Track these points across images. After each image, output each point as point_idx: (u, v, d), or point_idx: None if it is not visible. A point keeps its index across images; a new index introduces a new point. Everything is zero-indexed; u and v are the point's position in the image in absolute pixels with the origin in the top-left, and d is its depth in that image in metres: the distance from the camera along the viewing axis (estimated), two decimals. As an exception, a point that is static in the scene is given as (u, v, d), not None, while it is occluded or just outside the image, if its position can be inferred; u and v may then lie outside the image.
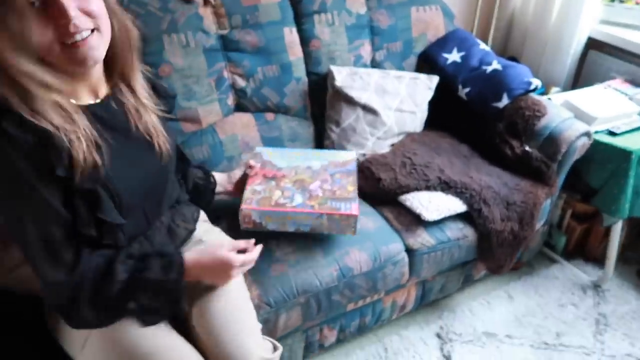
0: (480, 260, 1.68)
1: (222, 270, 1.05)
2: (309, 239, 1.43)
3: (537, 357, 1.66)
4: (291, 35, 1.75)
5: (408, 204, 1.55)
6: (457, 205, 1.56)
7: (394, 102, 1.82)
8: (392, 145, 1.85)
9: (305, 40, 1.78)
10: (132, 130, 1.00)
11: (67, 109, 0.86)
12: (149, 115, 1.02)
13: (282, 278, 1.34)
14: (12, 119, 0.81)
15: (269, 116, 1.76)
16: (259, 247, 1.14)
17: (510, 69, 1.81)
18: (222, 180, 1.40)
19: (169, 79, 1.55)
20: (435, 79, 1.90)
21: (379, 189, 1.61)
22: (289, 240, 1.43)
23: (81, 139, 0.86)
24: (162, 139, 1.04)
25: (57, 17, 0.81)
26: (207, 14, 1.62)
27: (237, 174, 1.43)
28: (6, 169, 0.82)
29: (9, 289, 1.11)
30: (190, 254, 1.04)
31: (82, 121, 0.88)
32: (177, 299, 1.01)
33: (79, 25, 0.82)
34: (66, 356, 1.06)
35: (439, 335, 1.74)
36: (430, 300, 1.76)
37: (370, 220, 1.54)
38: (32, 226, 0.86)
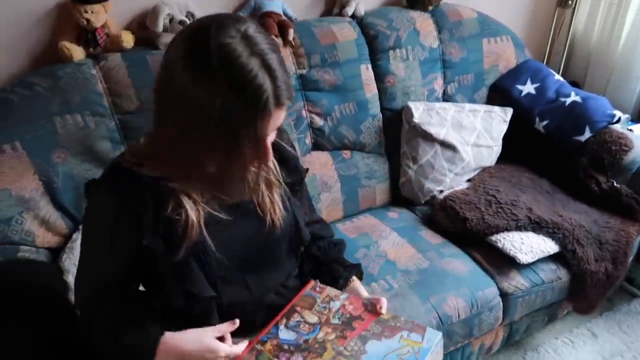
0: (571, 301, 1.62)
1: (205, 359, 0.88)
2: (405, 284, 1.40)
3: (633, 402, 1.59)
4: (367, 72, 1.73)
5: (499, 245, 1.51)
6: (550, 246, 1.51)
7: (471, 136, 1.78)
8: (469, 180, 1.81)
9: (380, 76, 1.76)
10: (249, 206, 0.96)
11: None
12: (270, 192, 0.98)
13: (381, 328, 1.30)
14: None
15: (346, 154, 1.74)
16: (245, 342, 0.93)
17: (591, 101, 1.77)
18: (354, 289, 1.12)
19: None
20: (509, 112, 1.86)
21: (465, 229, 1.56)
22: (382, 288, 1.39)
23: (193, 218, 0.87)
24: (277, 215, 0.99)
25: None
26: (286, 54, 1.61)
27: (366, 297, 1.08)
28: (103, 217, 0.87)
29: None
30: (172, 335, 0.89)
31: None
32: None
33: None
34: None
35: (525, 378, 1.68)
36: (514, 341, 1.71)
37: (460, 263, 1.50)
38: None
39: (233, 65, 0.73)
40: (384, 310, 0.97)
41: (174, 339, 0.88)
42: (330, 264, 1.11)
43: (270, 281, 1.04)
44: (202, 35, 0.74)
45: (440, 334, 0.92)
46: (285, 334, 0.95)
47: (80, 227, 1.36)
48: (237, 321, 0.90)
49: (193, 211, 0.86)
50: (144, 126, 1.42)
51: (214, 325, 0.92)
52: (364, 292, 1.08)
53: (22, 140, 1.29)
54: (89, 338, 0.92)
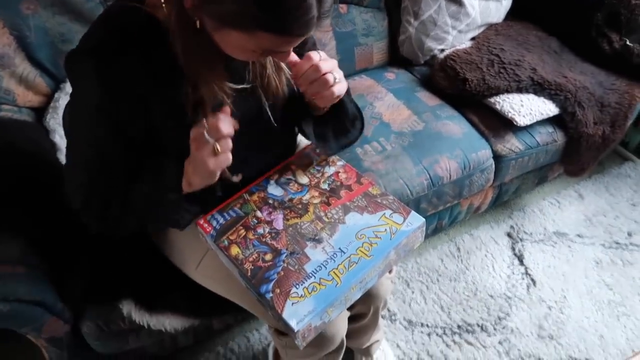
0: (563, 163, 1.63)
1: (192, 159, 0.79)
2: (398, 147, 1.39)
3: (608, 257, 1.69)
4: None
5: (498, 107, 1.46)
6: (549, 109, 1.47)
7: (479, -11, 1.63)
8: (474, 38, 1.70)
9: None
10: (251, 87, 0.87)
11: None
12: (278, 75, 0.88)
13: (373, 188, 1.31)
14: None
15: (342, 8, 1.60)
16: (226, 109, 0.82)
17: (617, -52, 1.58)
18: None
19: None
20: (524, -40, 1.68)
21: (464, 90, 1.50)
22: (375, 150, 1.38)
23: (206, 99, 0.78)
24: (280, 97, 0.90)
25: None
26: None
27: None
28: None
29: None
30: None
31: None
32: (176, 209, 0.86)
33: None
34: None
35: (509, 235, 1.76)
36: (502, 201, 1.75)
37: (456, 125, 1.47)
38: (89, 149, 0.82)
39: None
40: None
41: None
42: None
43: (271, 157, 1.01)
44: None
45: (423, 220, 0.89)
46: (273, 189, 0.96)
47: (62, 86, 1.31)
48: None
49: (206, 90, 0.77)
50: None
51: (218, 195, 0.90)
52: None
53: (-17, -11, 1.17)
54: (103, 225, 0.87)
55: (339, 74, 0.83)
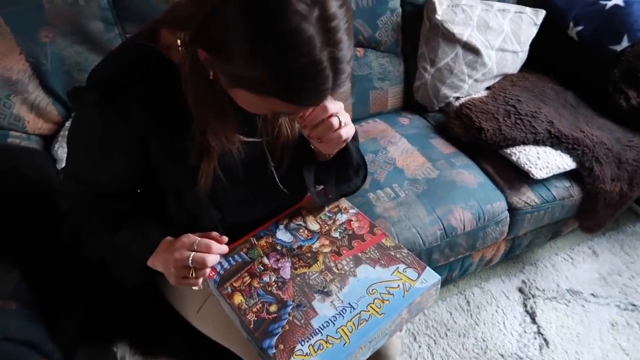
0: (579, 219, 1.58)
1: (165, 264, 0.79)
2: (411, 194, 1.35)
3: (624, 319, 1.61)
4: (389, -42, 1.54)
5: (514, 158, 1.43)
6: (566, 163, 1.44)
7: (497, 39, 1.63)
8: (489, 88, 1.69)
9: (403, -36, 1.57)
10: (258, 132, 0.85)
11: None
12: (292, 123, 0.85)
13: (384, 235, 1.27)
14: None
15: (359, 52, 1.60)
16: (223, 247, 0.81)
17: (636, 6, 1.59)
18: None
19: None
20: (541, 14, 1.69)
21: (479, 139, 1.48)
22: (388, 196, 1.34)
23: (215, 146, 0.75)
24: (290, 145, 0.87)
25: None
26: None
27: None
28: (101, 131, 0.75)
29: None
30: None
31: None
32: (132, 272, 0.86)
33: None
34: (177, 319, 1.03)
35: (521, 290, 1.70)
36: (514, 254, 1.70)
37: (470, 175, 1.43)
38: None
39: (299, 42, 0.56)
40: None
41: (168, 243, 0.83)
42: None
43: (279, 201, 0.97)
44: None
45: (439, 277, 0.84)
46: (282, 235, 0.92)
47: (73, 115, 1.29)
48: (226, 239, 0.82)
49: (217, 141, 0.74)
50: (140, 6, 1.29)
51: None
52: None
53: (4, 15, 1.17)
54: (72, 237, 0.87)
55: (345, 117, 0.80)
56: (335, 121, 0.77)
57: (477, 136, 1.48)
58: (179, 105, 0.70)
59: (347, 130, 0.80)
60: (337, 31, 0.58)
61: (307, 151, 0.91)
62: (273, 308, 0.80)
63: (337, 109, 0.78)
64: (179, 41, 0.66)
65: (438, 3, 1.57)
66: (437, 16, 1.56)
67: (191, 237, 0.78)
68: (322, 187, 1.00)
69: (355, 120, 1.66)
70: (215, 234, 0.81)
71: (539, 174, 1.39)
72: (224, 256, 0.88)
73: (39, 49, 1.22)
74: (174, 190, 0.82)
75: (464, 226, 1.33)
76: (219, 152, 0.75)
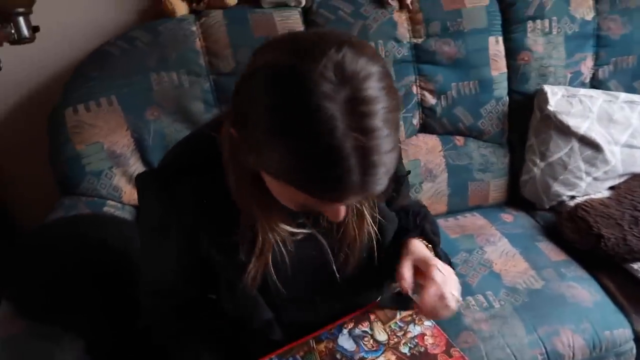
0: None
1: None
2: (508, 306, 1.16)
3: None
4: (497, 45, 1.46)
5: (643, 276, 1.19)
6: None
7: (623, 134, 1.43)
8: (612, 188, 1.47)
9: (512, 52, 1.48)
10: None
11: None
12: (360, 223, 0.76)
13: (471, 352, 1.09)
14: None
15: (459, 140, 1.50)
16: None
17: None
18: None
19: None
20: (680, 107, 1.46)
21: (598, 248, 1.26)
22: (480, 305, 1.17)
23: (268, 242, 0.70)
24: (357, 248, 0.78)
25: None
26: (402, 20, 1.40)
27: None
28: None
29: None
30: None
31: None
32: None
33: None
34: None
35: None
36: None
37: (585, 290, 1.21)
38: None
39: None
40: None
41: None
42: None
43: (344, 303, 0.87)
44: (295, 88, 0.50)
45: None
46: (344, 341, 0.81)
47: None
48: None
49: (267, 234, 0.69)
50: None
51: (276, 339, 0.81)
52: (423, 253, 0.81)
53: (118, 95, 1.27)
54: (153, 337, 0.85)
55: (457, 290, 0.77)
56: (451, 302, 0.75)
57: (595, 244, 1.27)
58: (228, 199, 0.66)
59: (455, 302, 0.76)
60: (369, 116, 0.49)
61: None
62: None
63: (444, 280, 0.75)
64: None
65: (551, 93, 1.43)
66: (549, 107, 1.42)
67: None
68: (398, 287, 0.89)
69: (450, 212, 1.53)
70: None
71: (676, 298, 1.13)
72: (279, 356, 0.79)
73: (144, 126, 1.30)
74: (225, 283, 0.76)
75: (572, 354, 1.11)
76: (269, 248, 0.69)
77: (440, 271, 0.75)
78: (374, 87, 0.50)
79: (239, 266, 0.70)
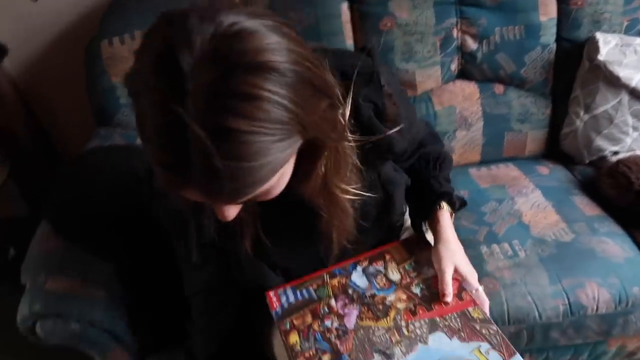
0: None
1: None
2: (534, 256, 1.15)
3: None
4: (548, -13, 1.37)
5: (681, 235, 1.14)
6: None
7: (678, 88, 1.34)
8: (660, 145, 1.40)
9: (565, -5, 1.39)
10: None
11: None
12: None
13: (491, 298, 1.08)
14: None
15: (498, 88, 1.45)
16: None
17: None
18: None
19: (389, 33, 1.35)
20: None
21: (636, 204, 1.21)
22: (504, 253, 1.16)
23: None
24: (347, 225, 0.75)
25: None
26: (445, -42, 1.33)
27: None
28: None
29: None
30: None
31: None
32: None
33: None
34: None
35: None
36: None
37: (617, 246, 1.17)
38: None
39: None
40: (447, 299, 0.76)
41: None
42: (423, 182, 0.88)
43: (364, 248, 0.87)
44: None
45: None
46: (357, 277, 0.83)
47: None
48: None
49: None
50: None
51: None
52: (447, 232, 0.83)
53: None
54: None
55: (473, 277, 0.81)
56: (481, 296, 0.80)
57: (634, 201, 1.22)
58: None
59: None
60: (187, 80, 0.42)
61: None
62: (326, 358, 0.72)
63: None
64: None
65: (603, 41, 1.35)
66: (599, 56, 1.34)
67: None
68: None
69: (483, 161, 1.50)
70: None
71: None
72: (292, 288, 0.82)
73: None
74: (232, 258, 0.79)
75: (597, 307, 1.09)
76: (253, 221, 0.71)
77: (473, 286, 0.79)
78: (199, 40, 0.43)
79: (233, 234, 0.71)
